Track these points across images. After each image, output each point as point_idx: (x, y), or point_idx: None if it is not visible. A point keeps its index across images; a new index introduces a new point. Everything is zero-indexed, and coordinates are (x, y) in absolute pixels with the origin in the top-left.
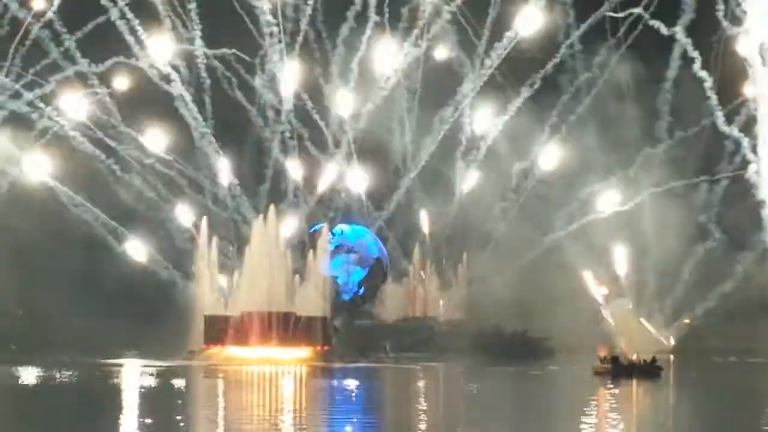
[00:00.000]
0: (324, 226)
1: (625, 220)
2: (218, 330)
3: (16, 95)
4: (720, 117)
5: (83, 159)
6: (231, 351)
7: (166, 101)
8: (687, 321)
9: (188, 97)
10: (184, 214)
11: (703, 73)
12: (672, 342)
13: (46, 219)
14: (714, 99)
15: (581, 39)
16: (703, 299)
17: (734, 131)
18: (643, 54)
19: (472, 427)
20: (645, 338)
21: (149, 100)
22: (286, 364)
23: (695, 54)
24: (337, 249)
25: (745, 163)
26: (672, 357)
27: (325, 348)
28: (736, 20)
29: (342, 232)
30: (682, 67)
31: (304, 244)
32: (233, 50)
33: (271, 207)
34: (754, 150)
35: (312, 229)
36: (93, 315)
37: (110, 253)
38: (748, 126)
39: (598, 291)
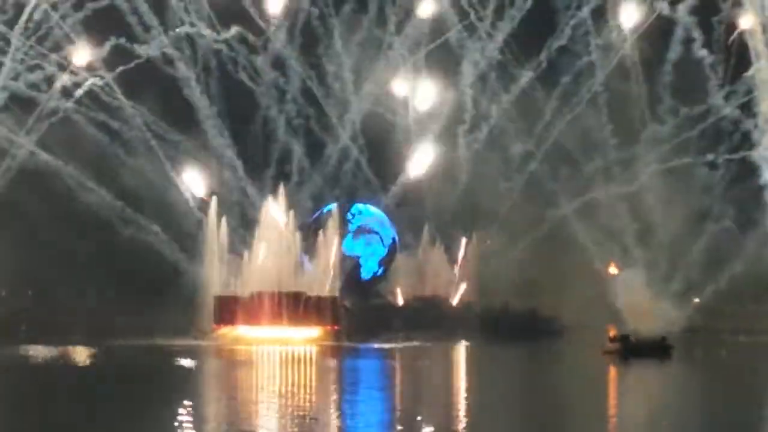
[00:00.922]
0: (335, 207)
1: (631, 199)
2: (229, 310)
3: (17, 77)
4: (721, 97)
5: (89, 140)
6: (241, 331)
7: (170, 83)
8: (696, 300)
9: (193, 79)
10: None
11: (704, 53)
12: (682, 321)
13: (56, 200)
14: (715, 79)
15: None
16: (712, 279)
17: (735, 111)
18: (648, 34)
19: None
20: (655, 314)
21: (153, 82)
22: (296, 344)
23: (695, 34)
24: (359, 229)
25: (744, 143)
26: (682, 336)
27: (335, 328)
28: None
29: (361, 212)
30: (687, 47)
31: (308, 226)
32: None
33: (281, 187)
34: (756, 130)
35: (323, 210)
36: (102, 296)
37: (119, 234)
38: (750, 107)
39: (607, 269)
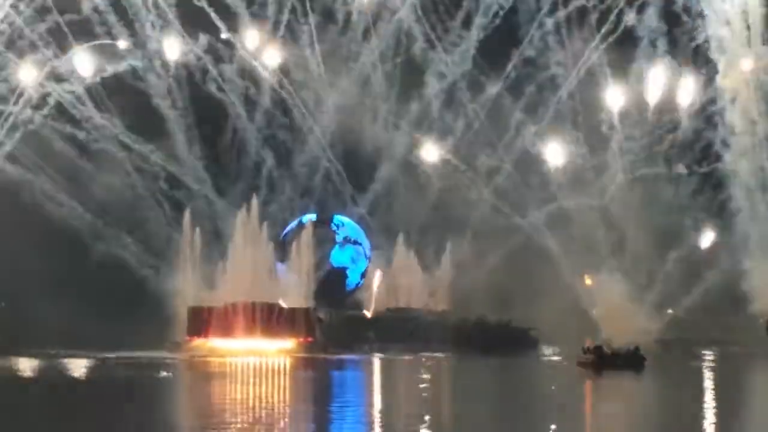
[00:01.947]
0: (309, 218)
1: (602, 210)
2: (202, 321)
3: None
4: (685, 109)
5: (59, 152)
6: (214, 342)
7: (139, 94)
8: (670, 311)
9: (162, 91)
10: None
11: (667, 62)
12: (656, 332)
13: (27, 212)
14: (679, 90)
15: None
16: (686, 291)
17: (700, 123)
18: (617, 42)
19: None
20: (629, 325)
21: (122, 93)
22: (269, 356)
23: (660, 45)
24: (345, 240)
25: (709, 155)
26: (655, 347)
27: (309, 339)
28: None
29: (343, 223)
30: (652, 58)
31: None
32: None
33: (254, 198)
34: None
35: (301, 220)
36: (75, 308)
37: (91, 246)
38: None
39: (581, 279)
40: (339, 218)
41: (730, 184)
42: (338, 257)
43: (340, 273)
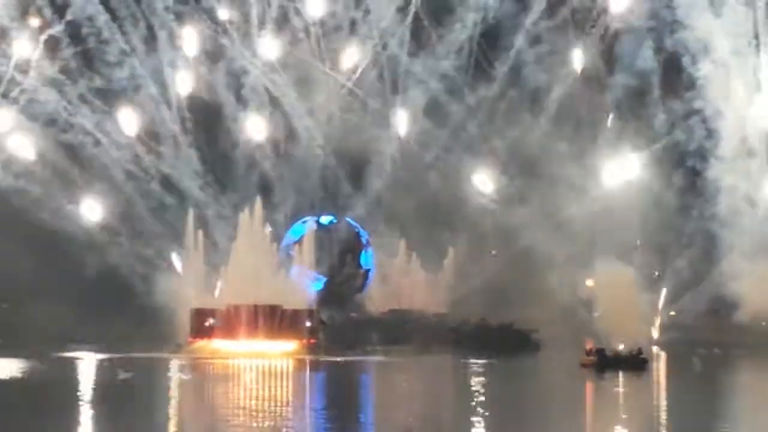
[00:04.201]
0: (309, 221)
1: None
2: (205, 323)
3: None
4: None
5: (51, 159)
6: (217, 344)
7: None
8: (672, 313)
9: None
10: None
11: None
12: (657, 334)
13: (24, 217)
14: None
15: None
16: (688, 293)
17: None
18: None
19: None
20: (632, 323)
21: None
22: (272, 358)
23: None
24: (366, 243)
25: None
26: (658, 348)
27: (311, 341)
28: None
29: (356, 226)
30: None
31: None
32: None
33: (258, 200)
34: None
35: (300, 223)
36: (76, 309)
37: (94, 248)
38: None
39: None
40: (351, 221)
41: (717, 192)
42: (366, 259)
43: (365, 275)
